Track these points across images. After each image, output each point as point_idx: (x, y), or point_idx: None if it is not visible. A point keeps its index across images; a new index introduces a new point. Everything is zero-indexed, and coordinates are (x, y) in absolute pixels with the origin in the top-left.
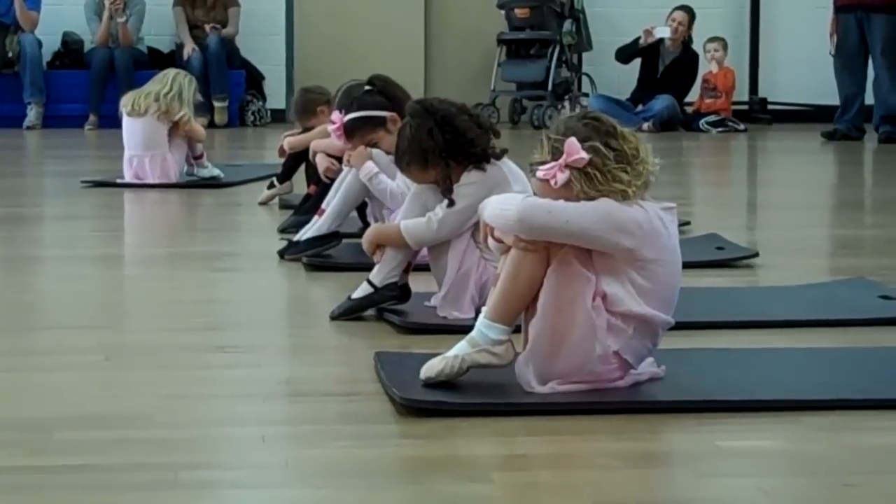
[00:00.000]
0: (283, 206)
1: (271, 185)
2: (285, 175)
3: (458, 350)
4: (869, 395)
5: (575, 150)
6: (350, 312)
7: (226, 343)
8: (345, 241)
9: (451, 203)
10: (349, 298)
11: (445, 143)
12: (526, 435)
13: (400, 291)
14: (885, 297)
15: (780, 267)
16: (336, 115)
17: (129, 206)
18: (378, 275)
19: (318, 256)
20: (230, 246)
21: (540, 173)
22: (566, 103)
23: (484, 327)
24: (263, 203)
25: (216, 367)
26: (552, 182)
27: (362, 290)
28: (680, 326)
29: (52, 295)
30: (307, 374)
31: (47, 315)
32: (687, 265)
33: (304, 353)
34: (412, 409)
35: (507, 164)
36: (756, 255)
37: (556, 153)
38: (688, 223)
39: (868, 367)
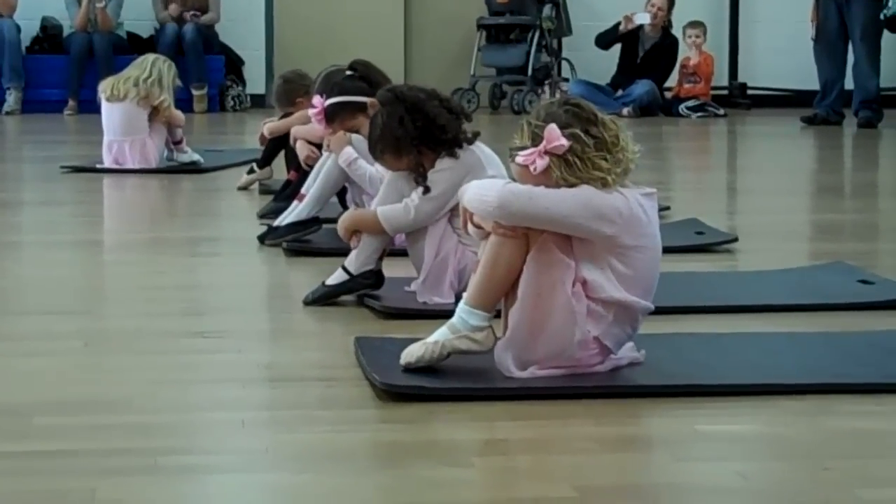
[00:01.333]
0: (264, 191)
1: (251, 171)
2: (265, 160)
3: (439, 336)
4: (847, 380)
5: (555, 136)
6: (324, 299)
7: (206, 328)
8: (325, 226)
9: (427, 190)
10: (324, 284)
11: (416, 130)
12: (505, 420)
13: (374, 278)
14: (864, 282)
15: (759, 252)
16: (317, 100)
17: (109, 191)
18: (354, 262)
19: (298, 241)
20: (210, 231)
21: (519, 159)
22: (546, 88)
23: (464, 313)
24: (242, 188)
25: (196, 352)
26: (531, 168)
27: (337, 276)
28: (660, 311)
29: (31, 280)
30: (287, 359)
31: (26, 300)
32: (667, 250)
33: (284, 338)
34: (392, 394)
35: (481, 148)
36: (735, 239)
37: (536, 139)
38: (667, 208)
39: (847, 352)
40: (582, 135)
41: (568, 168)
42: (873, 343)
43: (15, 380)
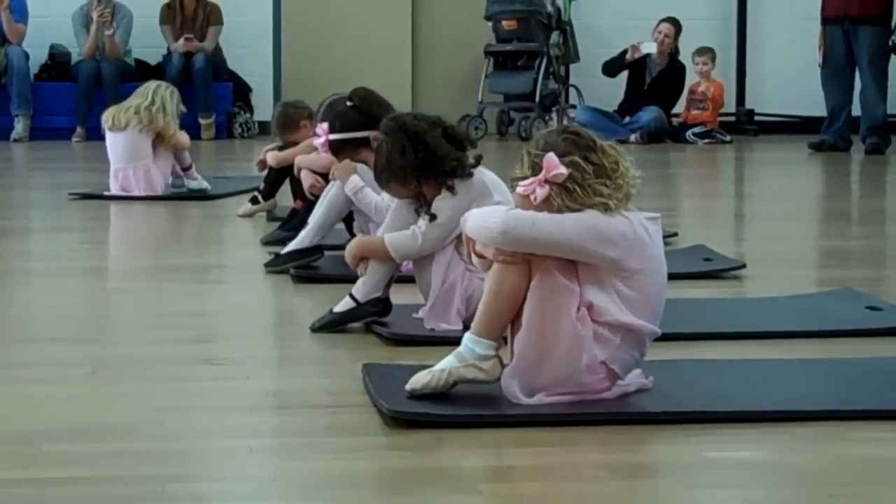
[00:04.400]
0: (271, 218)
1: (254, 200)
2: (269, 192)
3: (446, 364)
4: (856, 406)
5: (554, 165)
6: (331, 326)
7: (213, 355)
8: (332, 253)
9: (433, 217)
10: (331, 312)
11: (417, 161)
12: (513, 447)
13: (382, 305)
14: (873, 308)
15: (767, 278)
16: (321, 129)
17: (117, 218)
18: (361, 289)
19: (305, 268)
20: (217, 258)
21: (520, 189)
22: (553, 115)
23: (470, 342)
24: (244, 216)
25: (203, 379)
26: (532, 198)
27: (345, 304)
28: (668, 337)
29: (39, 307)
30: (295, 386)
31: (34, 327)
32: (674, 276)
33: (291, 364)
34: (400, 421)
35: (487, 174)
36: (743, 266)
37: (536, 168)
38: (675, 234)
39: (855, 378)
40: (581, 162)
41: (568, 195)
42: (882, 369)
43: (23, 407)
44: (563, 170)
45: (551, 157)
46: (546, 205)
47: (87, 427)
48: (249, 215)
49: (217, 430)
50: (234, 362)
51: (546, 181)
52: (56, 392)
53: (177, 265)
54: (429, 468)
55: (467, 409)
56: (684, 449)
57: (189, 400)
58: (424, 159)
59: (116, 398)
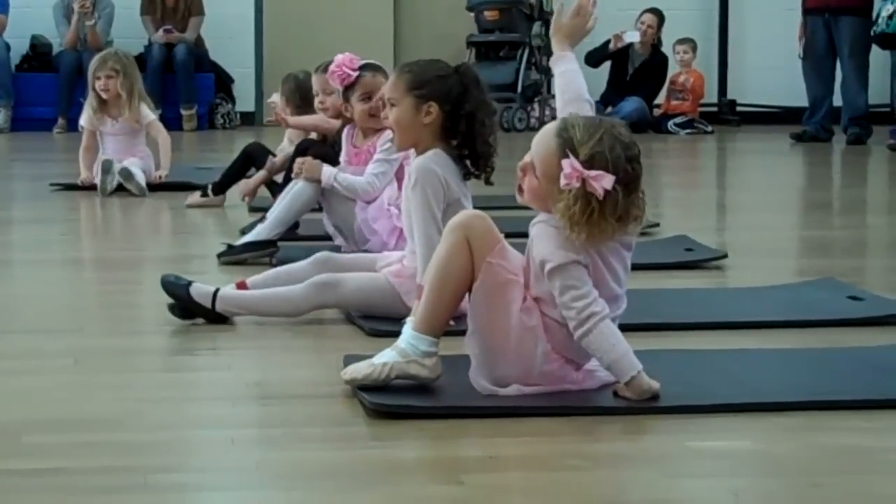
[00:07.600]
0: (253, 209)
1: (204, 193)
2: (221, 187)
3: (388, 358)
4: (837, 396)
5: (605, 182)
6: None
7: (195, 346)
8: (313, 243)
9: None
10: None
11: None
12: (494, 437)
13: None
14: (854, 298)
15: (749, 268)
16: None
17: (98, 209)
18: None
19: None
20: (198, 248)
21: (567, 169)
22: (536, 106)
23: (413, 339)
24: (191, 207)
25: (185, 369)
26: (564, 175)
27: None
28: (649, 328)
29: (20, 298)
30: (277, 377)
31: (15, 318)
32: (656, 266)
33: (273, 355)
34: (381, 412)
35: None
36: (725, 256)
37: (592, 162)
38: (657, 225)
39: (837, 368)
40: (620, 202)
41: (584, 204)
42: (863, 359)
43: (4, 397)
44: (601, 191)
45: (608, 178)
46: (548, 187)
47: (69, 418)
48: (197, 206)
49: (199, 421)
50: (216, 353)
51: (584, 180)
52: (37, 383)
53: (158, 256)
54: (410, 458)
55: (449, 400)
56: (666, 439)
57: (171, 390)
58: (470, 135)
59: (98, 389)
